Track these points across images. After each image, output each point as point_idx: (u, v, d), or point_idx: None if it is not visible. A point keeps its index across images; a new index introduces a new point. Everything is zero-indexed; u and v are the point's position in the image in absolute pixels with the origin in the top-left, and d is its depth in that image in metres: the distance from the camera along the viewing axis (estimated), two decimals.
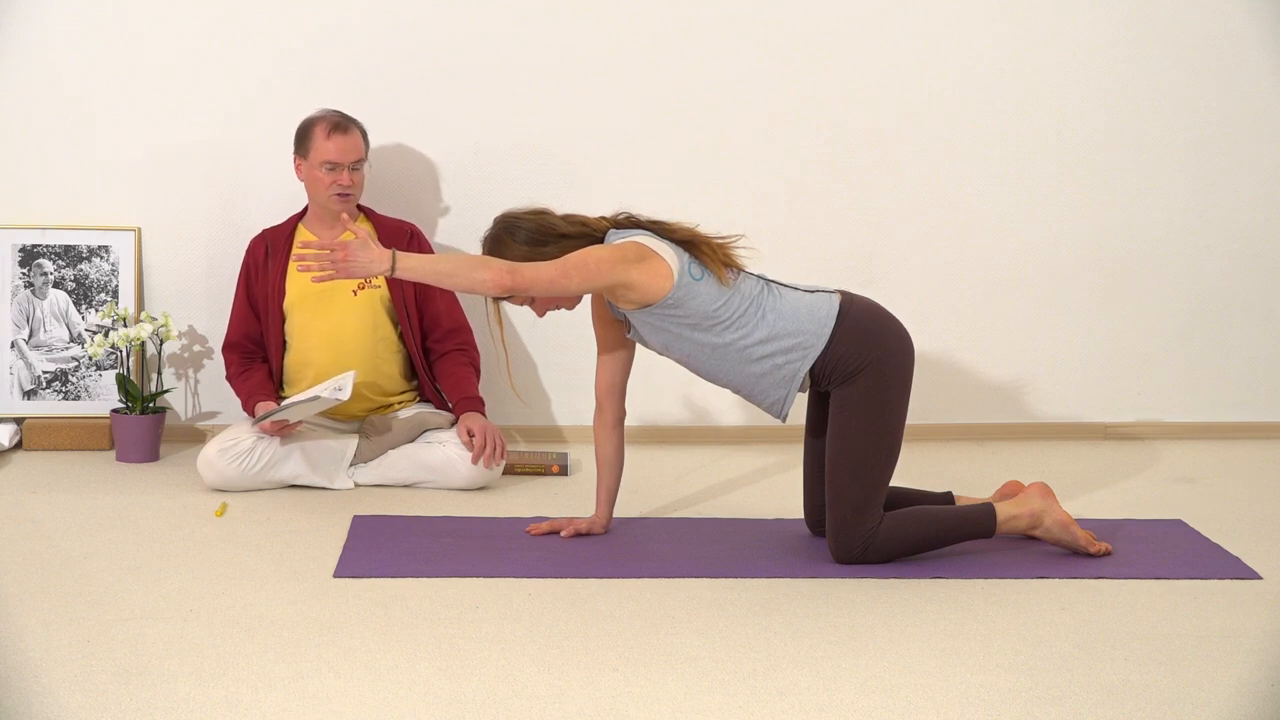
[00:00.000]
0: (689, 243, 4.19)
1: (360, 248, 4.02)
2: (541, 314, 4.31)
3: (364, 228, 4.10)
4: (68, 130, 5.49)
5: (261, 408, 4.96)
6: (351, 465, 5.02)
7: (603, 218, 4.26)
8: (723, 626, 3.76)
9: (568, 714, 3.25)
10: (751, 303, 4.18)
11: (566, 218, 4.24)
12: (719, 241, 4.22)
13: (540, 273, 4.04)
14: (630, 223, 4.24)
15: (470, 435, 4.96)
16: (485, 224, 4.28)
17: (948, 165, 5.73)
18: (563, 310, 4.34)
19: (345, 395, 4.80)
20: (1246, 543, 4.50)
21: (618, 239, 4.17)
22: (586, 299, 4.39)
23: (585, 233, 4.21)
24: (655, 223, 4.23)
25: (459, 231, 5.55)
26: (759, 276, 4.27)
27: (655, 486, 5.05)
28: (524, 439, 5.70)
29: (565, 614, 3.83)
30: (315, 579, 4.08)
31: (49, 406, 5.50)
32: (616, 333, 4.38)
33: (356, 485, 5.02)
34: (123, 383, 5.30)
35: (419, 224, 5.36)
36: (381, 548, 4.35)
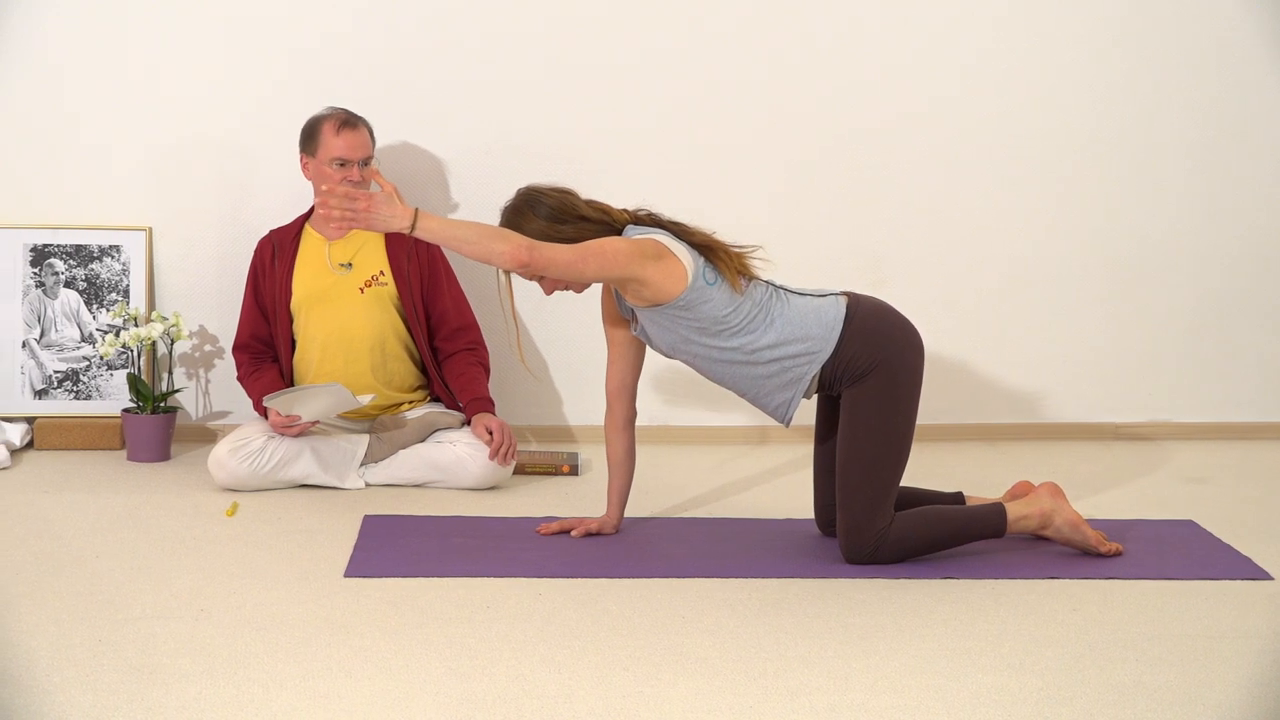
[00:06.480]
0: (706, 247, 4.18)
1: (384, 201, 3.99)
2: (549, 292, 4.30)
3: (390, 184, 4.05)
4: (78, 130, 5.50)
5: (269, 399, 4.93)
6: (362, 465, 5.02)
7: (625, 210, 4.26)
8: (733, 626, 3.76)
9: (578, 714, 3.25)
10: (760, 309, 4.17)
11: (589, 203, 4.23)
12: (736, 250, 4.22)
13: (558, 254, 4.03)
14: (651, 220, 4.23)
15: (489, 433, 4.97)
16: (496, 222, 4.27)
17: (957, 166, 5.73)
18: (573, 309, 4.33)
19: (363, 402, 4.89)
20: (1258, 543, 4.49)
21: (636, 234, 4.16)
22: (594, 287, 4.38)
23: (605, 220, 4.20)
24: (675, 224, 4.22)
25: None
26: (767, 282, 4.26)
27: (666, 487, 5.05)
28: (535, 438, 5.71)
29: (576, 614, 3.83)
30: (326, 579, 4.08)
31: (60, 406, 5.51)
32: (626, 333, 4.38)
33: (367, 485, 5.02)
34: (134, 382, 5.30)
35: None
36: (392, 547, 4.36)
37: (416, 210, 3.98)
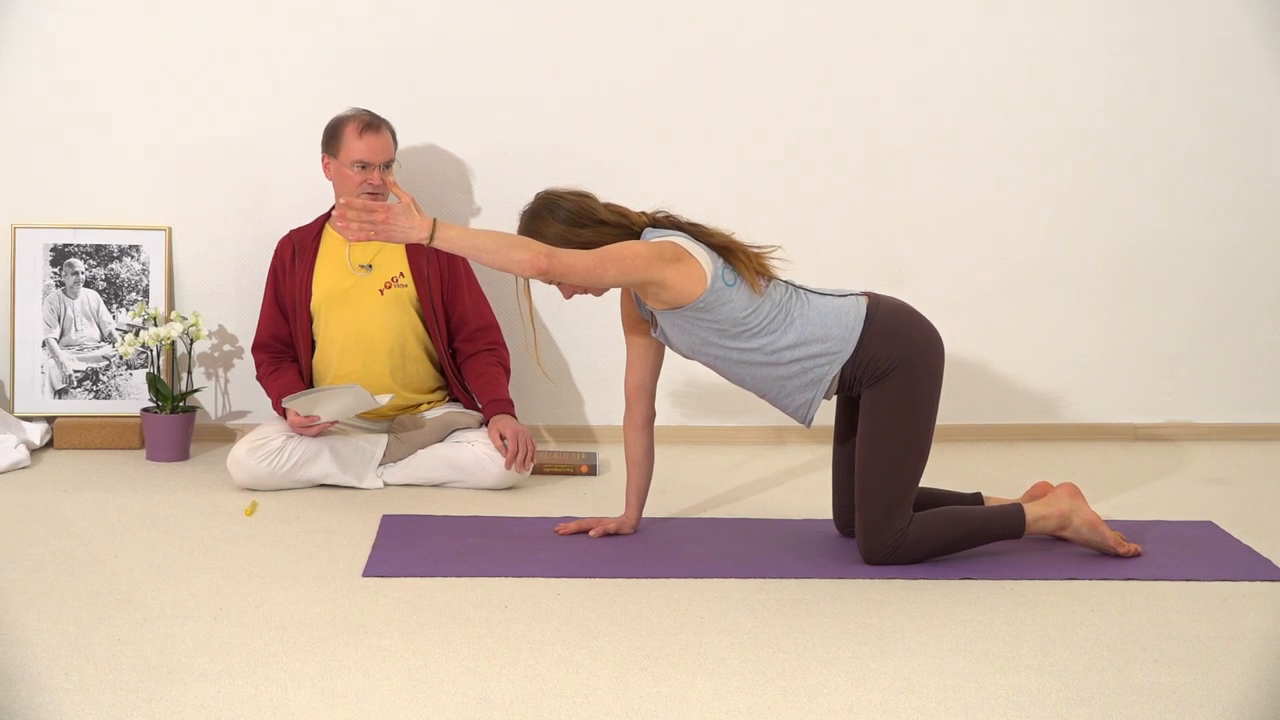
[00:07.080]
0: (725, 249, 4.17)
1: (402, 213, 3.98)
2: (568, 296, 4.30)
3: (407, 195, 4.05)
4: (98, 130, 5.51)
5: (289, 400, 4.93)
6: (381, 465, 5.03)
7: (643, 213, 4.26)
8: (751, 627, 3.76)
9: (596, 714, 3.25)
10: (780, 309, 4.17)
11: (608, 206, 4.23)
12: (755, 251, 4.21)
13: (577, 260, 4.03)
14: (669, 222, 4.23)
15: (502, 439, 4.97)
16: (515, 225, 4.27)
17: (975, 167, 5.72)
18: (593, 310, 4.33)
19: (381, 402, 4.88)
20: (1277, 544, 4.48)
21: (655, 237, 4.16)
22: (613, 290, 4.38)
23: (624, 224, 4.20)
24: (693, 225, 4.22)
25: None
26: (787, 283, 4.26)
27: (684, 487, 5.05)
28: (554, 438, 5.71)
29: (593, 614, 3.83)
30: (344, 578, 4.09)
31: (80, 405, 5.52)
32: (645, 336, 4.37)
33: (386, 485, 5.03)
34: (153, 382, 5.32)
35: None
36: (410, 547, 4.36)
37: (435, 221, 3.98)
